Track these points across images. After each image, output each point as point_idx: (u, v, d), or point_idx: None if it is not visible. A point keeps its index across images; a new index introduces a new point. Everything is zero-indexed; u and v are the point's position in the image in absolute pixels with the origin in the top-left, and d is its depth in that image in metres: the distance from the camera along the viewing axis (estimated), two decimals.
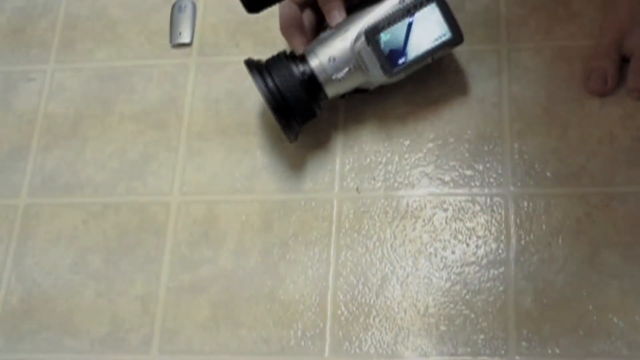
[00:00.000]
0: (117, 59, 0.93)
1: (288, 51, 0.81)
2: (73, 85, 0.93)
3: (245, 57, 0.90)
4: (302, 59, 0.79)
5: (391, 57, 0.78)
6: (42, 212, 0.87)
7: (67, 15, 0.97)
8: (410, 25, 0.78)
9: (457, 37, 0.78)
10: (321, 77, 0.78)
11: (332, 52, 0.78)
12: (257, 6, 0.79)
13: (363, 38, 0.77)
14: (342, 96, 0.82)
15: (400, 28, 0.78)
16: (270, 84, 0.78)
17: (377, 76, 0.79)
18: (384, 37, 0.78)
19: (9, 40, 0.97)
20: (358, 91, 0.82)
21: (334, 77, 0.78)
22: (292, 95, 0.78)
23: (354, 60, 0.78)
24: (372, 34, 0.77)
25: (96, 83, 0.93)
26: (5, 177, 0.89)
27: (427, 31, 0.78)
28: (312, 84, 0.78)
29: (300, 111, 0.79)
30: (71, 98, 0.92)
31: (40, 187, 0.88)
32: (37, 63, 0.95)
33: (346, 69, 0.78)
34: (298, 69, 0.78)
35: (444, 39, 0.78)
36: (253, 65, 0.79)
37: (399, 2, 0.78)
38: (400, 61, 0.78)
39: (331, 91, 0.80)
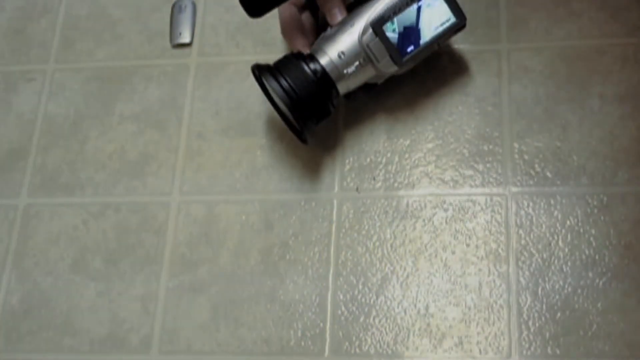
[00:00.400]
0: (117, 59, 0.93)
1: (294, 52, 0.81)
2: (73, 85, 0.93)
3: (245, 57, 0.90)
4: (311, 57, 0.78)
5: (399, 47, 0.78)
6: (42, 212, 0.87)
7: (67, 15, 0.97)
8: (418, 12, 0.78)
9: (460, 20, 0.79)
10: (333, 74, 0.78)
11: (341, 48, 0.78)
12: (259, 10, 0.79)
13: (370, 30, 0.77)
14: (348, 97, 0.82)
15: (405, 17, 0.78)
16: (285, 84, 0.77)
17: (387, 67, 0.79)
18: (390, 27, 0.78)
19: (9, 40, 0.97)
20: (366, 87, 0.82)
21: (345, 72, 0.78)
22: (308, 94, 0.77)
23: (364, 54, 0.78)
24: (378, 26, 0.77)
25: (96, 83, 0.93)
26: (5, 177, 0.89)
27: (431, 18, 0.79)
28: (324, 81, 0.78)
29: (317, 110, 0.79)
30: (71, 98, 0.92)
31: (40, 187, 0.88)
32: (37, 63, 0.95)
33: (356, 63, 0.78)
34: (309, 68, 0.78)
35: (448, 24, 0.79)
36: (263, 69, 0.79)
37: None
38: (409, 49, 0.79)
39: (343, 87, 0.79)
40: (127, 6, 0.96)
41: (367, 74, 0.80)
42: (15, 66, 0.95)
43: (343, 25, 0.79)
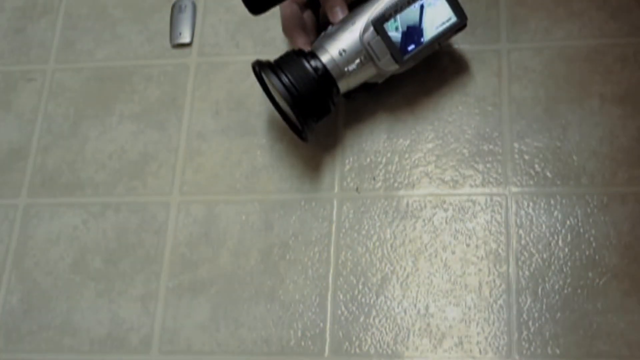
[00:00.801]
0: (117, 59, 0.93)
1: (295, 50, 0.80)
2: (73, 85, 0.93)
3: (245, 57, 0.90)
4: (313, 55, 0.78)
5: (401, 45, 0.78)
6: (42, 212, 0.87)
7: (67, 15, 0.97)
8: (421, 11, 0.78)
9: (461, 20, 0.79)
10: (334, 72, 0.78)
11: (342, 45, 0.78)
12: (261, 7, 0.79)
13: (371, 28, 0.78)
14: (348, 96, 0.82)
15: (407, 15, 0.78)
16: (286, 81, 0.77)
17: (387, 65, 0.79)
18: (392, 25, 0.78)
19: (9, 40, 0.97)
20: (366, 86, 0.82)
21: (345, 69, 0.78)
22: (309, 91, 0.77)
23: (365, 52, 0.78)
24: (379, 24, 0.77)
25: (96, 83, 0.93)
26: (5, 177, 0.89)
27: (433, 17, 0.79)
28: (325, 79, 0.78)
29: (317, 107, 0.79)
30: (71, 98, 0.92)
31: (40, 187, 0.88)
32: (37, 63, 0.95)
33: (357, 61, 0.78)
34: (310, 65, 0.78)
35: (449, 23, 0.79)
36: (264, 66, 0.79)
37: None
38: (410, 48, 0.79)
39: (343, 85, 0.79)
40: (127, 6, 0.96)
41: (368, 73, 0.80)
42: (15, 66, 0.95)
43: (344, 23, 0.79)
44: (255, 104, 0.88)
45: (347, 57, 0.78)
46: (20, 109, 0.93)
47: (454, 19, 0.79)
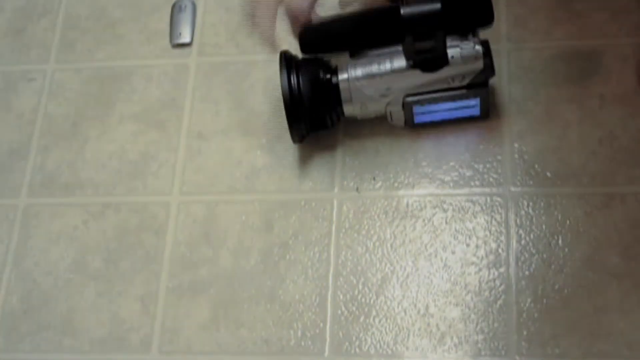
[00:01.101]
0: (117, 59, 0.93)
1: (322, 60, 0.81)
2: (73, 85, 0.93)
3: (245, 57, 0.90)
4: (334, 71, 0.79)
5: (416, 116, 0.80)
6: (42, 212, 0.87)
7: (67, 15, 0.97)
8: (450, 110, 0.80)
9: (482, 117, 0.81)
10: (344, 95, 0.79)
11: (366, 89, 0.78)
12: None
13: (401, 101, 0.78)
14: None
15: (438, 106, 0.79)
16: (294, 80, 0.78)
17: (396, 124, 0.81)
18: (419, 107, 0.79)
19: (9, 40, 0.97)
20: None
21: (355, 104, 0.79)
22: (310, 97, 0.78)
23: (383, 108, 0.79)
24: (410, 107, 0.79)
25: (96, 83, 0.93)
26: (5, 177, 0.89)
27: (459, 108, 0.80)
28: (332, 95, 0.79)
29: (313, 116, 0.80)
30: (71, 98, 0.92)
31: (40, 187, 0.88)
32: (37, 63, 0.95)
33: (372, 109, 0.80)
34: (325, 76, 0.79)
35: (468, 114, 0.81)
36: (285, 58, 0.79)
37: (449, 86, 0.78)
38: (423, 120, 0.81)
39: (349, 110, 0.80)
40: (127, 6, 0.96)
41: (376, 113, 0.81)
42: (15, 66, 0.95)
43: (384, 62, 0.78)
44: (255, 104, 0.88)
45: (364, 98, 0.79)
46: (20, 109, 0.93)
47: (476, 114, 0.81)
